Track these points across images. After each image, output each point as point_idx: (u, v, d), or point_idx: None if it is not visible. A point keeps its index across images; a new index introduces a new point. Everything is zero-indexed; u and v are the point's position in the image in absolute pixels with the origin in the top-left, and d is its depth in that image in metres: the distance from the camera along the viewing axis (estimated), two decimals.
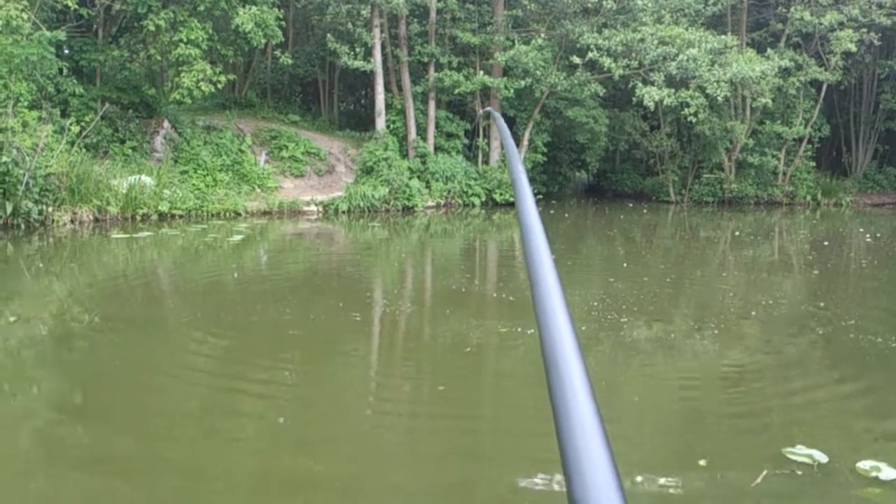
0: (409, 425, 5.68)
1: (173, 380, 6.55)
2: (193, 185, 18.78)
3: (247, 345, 7.67)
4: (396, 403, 6.14)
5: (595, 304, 9.49)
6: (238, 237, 15.80)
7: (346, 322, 8.52)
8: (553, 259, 1.04)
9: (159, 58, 19.42)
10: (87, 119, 17.73)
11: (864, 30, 25.41)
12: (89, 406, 5.89)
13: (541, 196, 26.09)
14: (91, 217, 16.20)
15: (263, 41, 19.62)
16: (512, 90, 23.41)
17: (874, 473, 4.57)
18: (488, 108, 2.95)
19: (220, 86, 19.20)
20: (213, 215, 18.20)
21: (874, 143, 31.89)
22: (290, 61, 21.74)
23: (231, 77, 20.99)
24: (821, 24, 25.35)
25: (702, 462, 4.69)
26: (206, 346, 7.59)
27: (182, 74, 18.26)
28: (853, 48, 25.39)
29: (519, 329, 8.25)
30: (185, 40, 17.85)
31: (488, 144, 25.18)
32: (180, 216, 17.62)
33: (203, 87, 18.29)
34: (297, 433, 5.40)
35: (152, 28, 17.72)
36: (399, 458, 5.06)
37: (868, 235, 19.33)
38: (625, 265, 13.87)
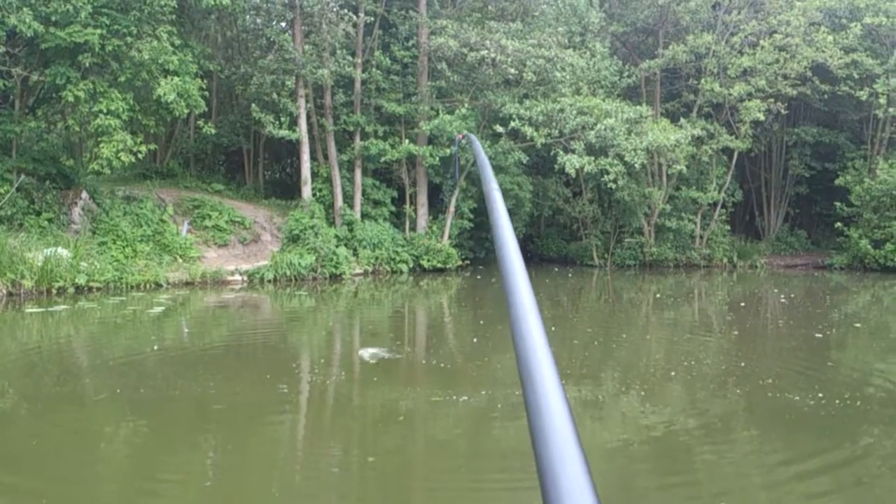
0: (338, 499, 5.53)
1: (90, 459, 6.24)
2: (112, 256, 18.27)
3: (168, 421, 7.39)
4: (325, 477, 5.98)
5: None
6: (159, 309, 15.37)
7: (273, 394, 8.32)
8: (528, 277, 1.05)
9: (78, 128, 19.07)
10: (1, 191, 17.17)
11: (772, 100, 26.95)
12: (5, 486, 5.55)
13: (468, 262, 26.31)
14: (4, 291, 15.55)
15: (186, 111, 19.50)
16: (437, 158, 23.78)
17: None
18: (466, 133, 3.02)
19: (140, 156, 18.89)
20: (132, 287, 17.69)
21: (785, 207, 33.47)
22: (213, 131, 21.63)
23: (152, 147, 20.72)
24: (730, 94, 26.78)
25: None
26: (125, 422, 7.28)
27: (101, 145, 17.92)
28: (761, 117, 26.86)
29: (452, 397, 8.20)
30: (104, 111, 17.57)
31: (415, 211, 25.38)
32: (98, 288, 17.06)
33: (123, 158, 17.97)
34: None
35: (71, 99, 17.42)
36: None
37: (783, 296, 20.09)
38: (553, 328, 14.03)
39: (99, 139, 18.16)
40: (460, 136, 3.08)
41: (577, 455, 0.69)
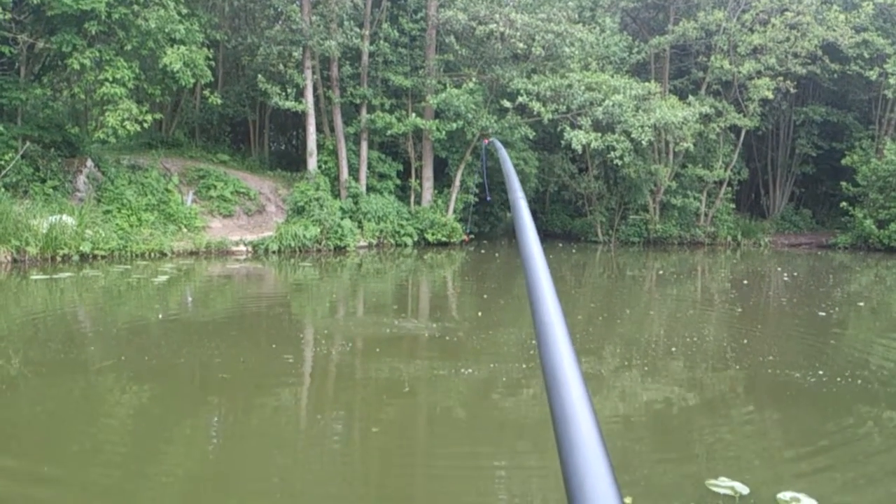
0: (342, 469, 5.60)
1: (94, 426, 6.31)
2: (117, 224, 18.31)
3: (173, 389, 7.46)
4: (328, 446, 6.05)
5: (531, 342, 9.58)
6: (163, 278, 15.43)
7: (278, 364, 8.38)
8: (554, 288, 1.06)
9: (83, 96, 19.04)
10: (6, 158, 17.18)
11: (781, 78, 26.75)
12: (10, 453, 5.62)
13: (472, 236, 26.32)
14: (9, 258, 15.62)
15: (192, 81, 19.43)
16: (444, 132, 23.71)
17: None
18: (492, 139, 3.00)
19: (146, 125, 18.87)
20: (137, 256, 17.76)
21: (790, 186, 33.35)
22: (219, 101, 21.56)
23: (158, 116, 20.71)
24: (739, 72, 26.58)
25: (627, 500, 4.74)
26: (129, 390, 7.36)
27: (107, 113, 17.90)
28: (770, 95, 26.68)
29: (454, 370, 8.26)
30: (110, 79, 17.53)
31: (420, 185, 25.35)
32: (103, 257, 17.13)
33: (128, 127, 17.96)
34: (225, 479, 5.25)
35: (77, 67, 17.36)
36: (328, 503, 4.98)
37: (786, 274, 20.08)
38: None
39: (104, 107, 18.13)
40: (486, 142, 3.06)
41: (604, 464, 0.71)
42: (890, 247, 26.77)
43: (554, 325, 0.95)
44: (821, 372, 8.30)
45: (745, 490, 4.87)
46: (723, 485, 4.95)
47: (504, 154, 2.29)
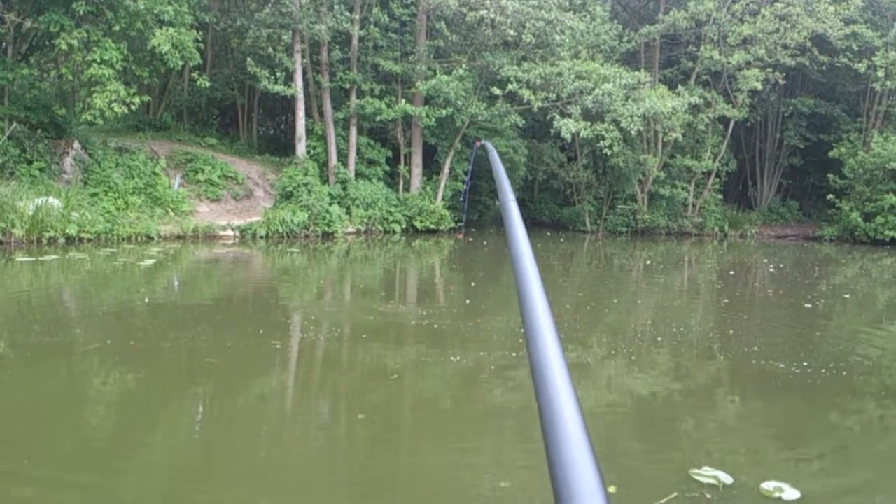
0: (328, 454, 5.60)
1: (78, 410, 6.29)
2: (104, 207, 18.18)
3: (158, 373, 7.43)
4: (314, 432, 6.05)
5: (518, 330, 9.60)
6: (150, 262, 15.35)
7: (266, 349, 8.36)
8: (543, 290, 1.06)
9: (71, 77, 18.84)
10: None
11: (770, 69, 26.79)
12: None
13: (461, 223, 26.31)
14: None
15: (181, 63, 19.26)
16: (433, 119, 23.64)
17: (777, 494, 4.75)
18: (484, 142, 3.01)
19: (133, 107, 18.71)
20: (123, 239, 17.65)
21: (778, 178, 33.49)
22: (207, 84, 21.39)
23: (146, 98, 20.52)
24: (729, 63, 26.61)
25: (611, 489, 4.78)
26: (114, 373, 7.33)
27: (94, 95, 17.73)
28: (759, 86, 26.74)
29: (442, 357, 8.27)
30: (98, 60, 17.36)
31: (409, 171, 25.29)
32: (89, 240, 17.01)
33: (116, 108, 17.81)
34: (210, 463, 5.25)
35: (64, 47, 17.18)
36: (313, 489, 4.98)
37: (772, 266, 20.21)
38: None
39: (92, 89, 17.95)
40: (478, 143, 3.05)
41: (590, 460, 0.72)
42: (876, 239, 26.96)
43: (543, 328, 0.95)
44: (805, 363, 8.36)
45: (728, 479, 4.92)
46: (706, 474, 4.99)
47: (495, 156, 2.32)
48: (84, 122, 18.97)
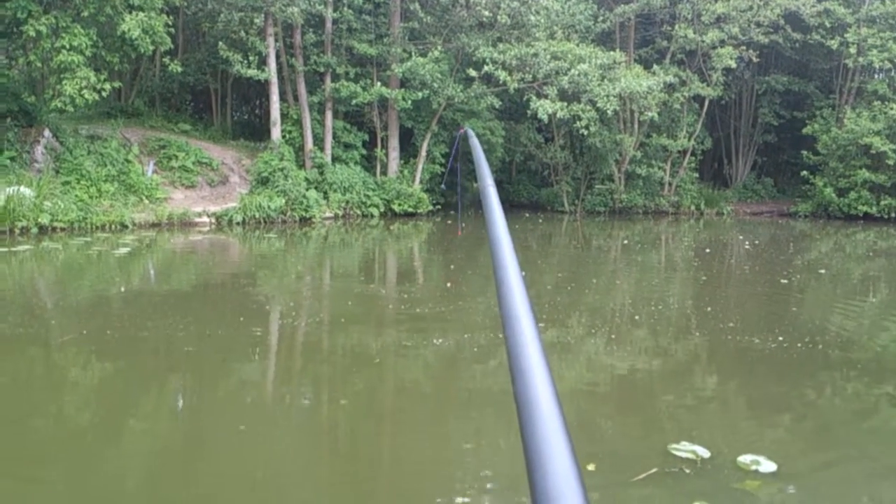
0: (310, 442, 5.59)
1: (55, 401, 6.22)
2: (76, 196, 17.94)
3: (136, 363, 7.37)
4: (297, 419, 6.03)
5: (498, 311, 9.62)
6: (124, 250, 15.19)
7: (245, 336, 8.31)
8: (522, 274, 1.07)
9: (40, 64, 18.51)
10: None
11: (744, 47, 26.94)
12: None
13: (439, 206, 26.29)
14: None
15: (151, 48, 18.98)
16: (409, 102, 23.51)
17: (754, 467, 4.82)
18: (467, 129, 3.02)
19: (104, 94, 18.43)
20: (97, 228, 17.44)
21: (753, 156, 33.75)
22: (179, 69, 21.11)
23: (116, 85, 20.23)
24: (703, 41, 26.70)
25: (590, 466, 4.81)
26: (91, 364, 7.26)
27: (64, 82, 17.44)
28: (733, 64, 26.90)
29: (423, 340, 8.27)
30: (67, 47, 17.07)
31: (386, 155, 25.18)
32: (62, 229, 16.80)
33: (86, 95, 17.54)
34: (190, 453, 5.22)
35: (32, 34, 16.86)
36: (296, 475, 4.98)
37: (747, 243, 20.39)
38: (523, 273, 14.09)
39: (61, 76, 17.65)
40: (461, 131, 3.05)
41: (566, 451, 0.72)
42: (849, 215, 27.30)
43: (521, 317, 0.96)
44: (781, 338, 8.46)
45: (706, 454, 4.97)
46: (684, 449, 5.04)
47: (476, 142, 2.35)
48: (54, 110, 18.65)
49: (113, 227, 17.74)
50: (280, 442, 5.44)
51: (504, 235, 1.21)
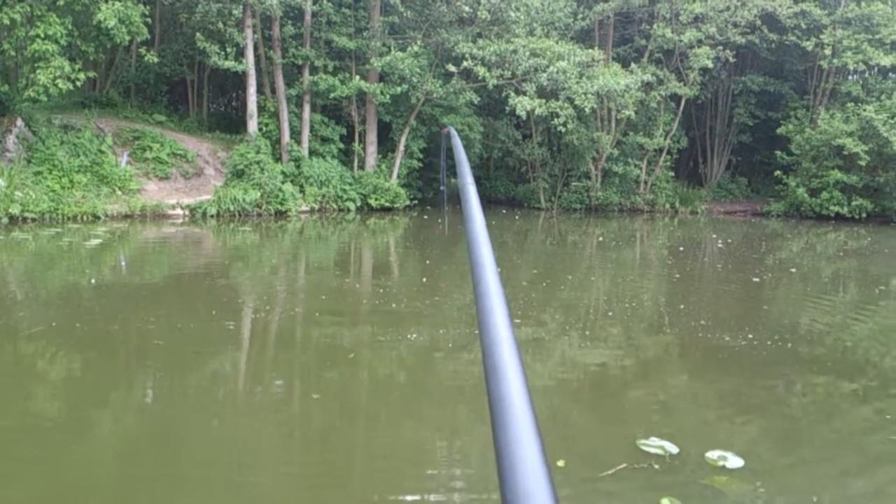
0: (281, 436, 5.57)
1: (23, 393, 6.14)
2: (48, 186, 17.72)
3: (106, 355, 7.29)
4: (269, 413, 6.00)
5: (474, 307, 9.63)
6: (96, 241, 15.02)
7: (217, 330, 8.26)
8: (498, 272, 1.07)
9: (13, 53, 18.23)
10: None
11: (721, 47, 27.14)
12: None
13: (416, 202, 26.26)
14: None
15: (127, 38, 18.77)
16: (388, 96, 23.45)
17: (722, 463, 4.87)
18: (450, 127, 3.06)
19: (79, 83, 18.21)
20: (69, 218, 17.24)
21: (727, 155, 34.04)
22: (155, 59, 20.90)
23: (91, 74, 19.98)
24: (681, 41, 26.87)
25: (560, 463, 4.83)
26: (60, 357, 7.17)
27: (38, 71, 17.21)
28: (710, 64, 27.09)
29: (398, 335, 8.26)
30: (42, 35, 16.84)
31: (364, 149, 25.10)
32: (33, 219, 16.58)
33: (60, 85, 17.32)
34: (160, 447, 5.18)
35: (6, 22, 16.61)
36: (268, 469, 4.95)
37: (720, 242, 20.58)
38: (499, 270, 14.13)
39: (35, 65, 17.41)
40: (445, 130, 3.08)
41: (537, 450, 0.73)
42: (821, 214, 27.63)
43: (496, 314, 0.96)
44: (751, 335, 8.55)
45: (674, 449, 5.02)
46: (653, 444, 5.08)
47: (458, 141, 2.38)
48: (27, 99, 18.38)
49: (85, 218, 17.54)
50: (251, 436, 5.42)
51: (482, 233, 1.22)
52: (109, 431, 5.42)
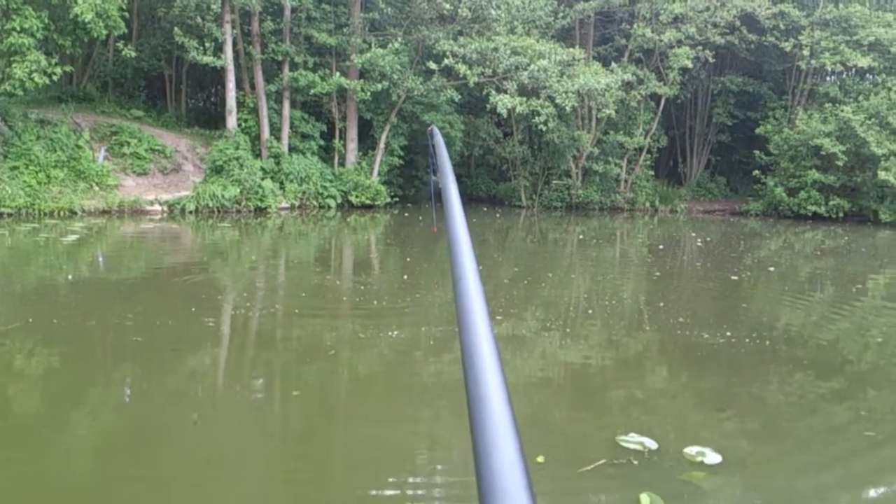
0: (260, 434, 5.53)
1: (2, 390, 6.06)
2: (24, 181, 17.51)
3: (83, 352, 7.22)
4: (249, 411, 5.96)
5: (454, 305, 9.63)
6: (73, 237, 14.86)
7: (196, 327, 8.19)
8: (478, 270, 1.07)
9: None
10: None
11: (700, 47, 27.33)
12: None
13: (396, 199, 26.22)
14: None
15: (105, 32, 18.57)
16: (368, 93, 23.38)
17: (700, 458, 4.90)
18: (433, 126, 3.07)
19: (55, 78, 18.01)
20: (45, 214, 17.05)
21: (707, 154, 34.30)
22: (133, 54, 20.71)
23: (68, 69, 19.79)
24: (661, 40, 27.03)
25: (540, 459, 4.84)
26: (37, 353, 7.08)
27: (14, 65, 17.00)
28: (689, 64, 27.27)
29: (378, 332, 8.24)
30: (17, 29, 16.64)
31: (344, 146, 25.02)
32: (9, 215, 16.38)
33: (36, 79, 17.12)
34: (137, 445, 5.13)
35: None
36: (247, 466, 4.92)
37: (700, 240, 20.73)
38: (480, 267, 14.13)
39: (11, 59, 17.19)
40: (430, 128, 3.10)
41: (514, 447, 0.73)
42: (799, 214, 27.90)
43: (475, 312, 0.96)
44: (729, 333, 8.62)
45: (653, 445, 5.05)
46: (632, 440, 5.11)
47: (440, 140, 2.40)
48: (3, 94, 18.14)
49: (62, 213, 17.35)
50: (230, 433, 5.38)
51: (463, 231, 1.22)
52: (87, 429, 5.36)
